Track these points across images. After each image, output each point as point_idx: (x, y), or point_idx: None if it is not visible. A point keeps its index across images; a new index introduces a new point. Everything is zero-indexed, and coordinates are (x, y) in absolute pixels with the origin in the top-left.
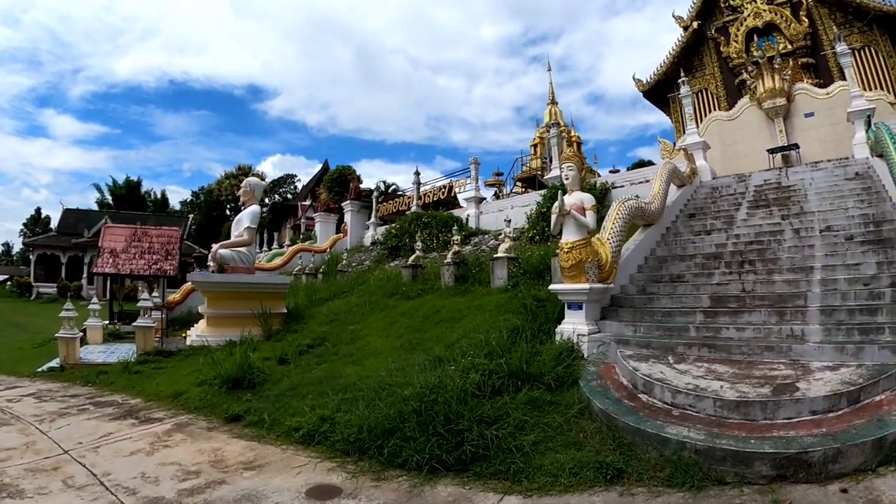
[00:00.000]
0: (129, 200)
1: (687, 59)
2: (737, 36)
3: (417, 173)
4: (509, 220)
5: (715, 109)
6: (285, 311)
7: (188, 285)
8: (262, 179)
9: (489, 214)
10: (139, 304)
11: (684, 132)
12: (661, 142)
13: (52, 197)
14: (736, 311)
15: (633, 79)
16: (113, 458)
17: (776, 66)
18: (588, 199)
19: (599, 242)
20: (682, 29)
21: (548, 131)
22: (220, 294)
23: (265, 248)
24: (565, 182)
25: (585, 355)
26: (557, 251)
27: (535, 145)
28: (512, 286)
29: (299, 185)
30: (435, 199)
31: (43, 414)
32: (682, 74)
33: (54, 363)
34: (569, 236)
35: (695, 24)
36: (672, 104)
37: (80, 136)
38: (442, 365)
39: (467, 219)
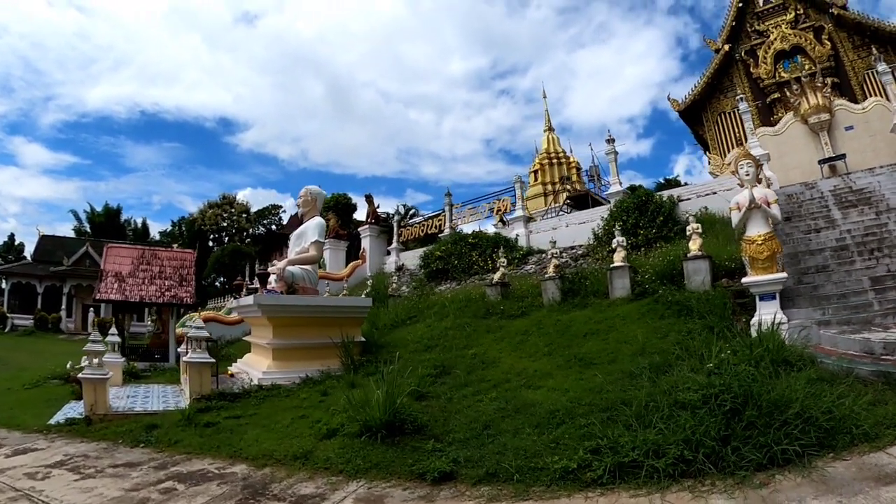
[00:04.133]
0: (108, 229)
1: (718, 80)
2: (766, 58)
3: (449, 194)
4: (618, 231)
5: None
6: (363, 339)
7: (201, 316)
8: (248, 210)
9: (541, 234)
10: (191, 332)
11: (723, 148)
12: (710, 156)
13: (21, 227)
14: None
15: (669, 99)
16: None
17: (818, 85)
18: (771, 194)
19: None
20: (713, 51)
21: (547, 158)
22: (292, 320)
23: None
24: (745, 178)
25: (787, 342)
26: (744, 245)
27: (535, 171)
28: (637, 294)
29: (284, 217)
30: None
31: None
32: (742, 93)
33: (72, 412)
34: (759, 229)
35: (725, 47)
36: (707, 122)
37: (50, 166)
38: (671, 369)
39: (516, 238)
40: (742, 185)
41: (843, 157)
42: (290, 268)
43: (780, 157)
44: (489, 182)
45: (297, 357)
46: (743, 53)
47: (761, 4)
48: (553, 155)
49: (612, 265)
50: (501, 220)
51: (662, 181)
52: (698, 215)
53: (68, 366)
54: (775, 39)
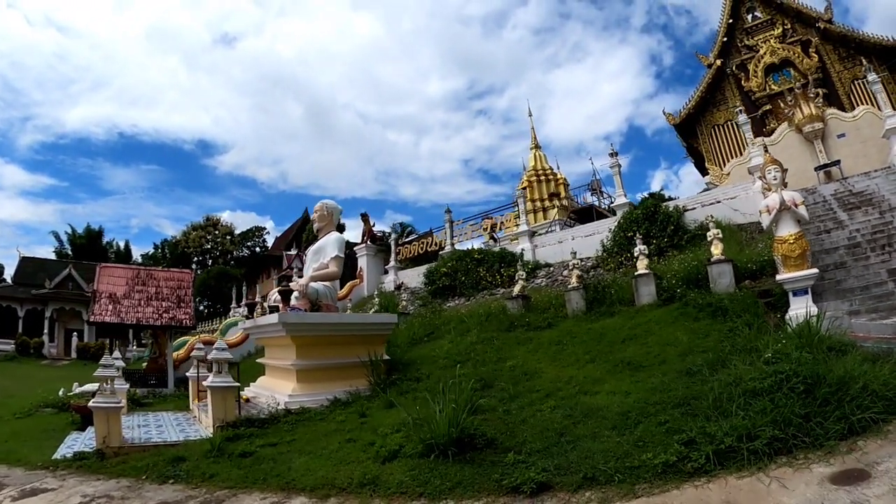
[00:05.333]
0: (89, 251)
1: (711, 94)
2: (756, 71)
3: (449, 211)
4: (639, 240)
5: (739, 139)
6: (388, 357)
7: (193, 340)
8: (232, 232)
9: (547, 247)
10: (212, 354)
11: (719, 159)
12: (710, 167)
13: None
14: None
15: (664, 113)
16: None
17: (811, 95)
18: (798, 196)
19: None
20: (706, 66)
21: (535, 175)
22: (317, 339)
23: (243, 302)
24: (773, 183)
25: (822, 331)
26: (776, 244)
27: (523, 188)
28: (665, 300)
29: (268, 238)
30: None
31: None
32: (734, 105)
33: (77, 444)
34: (790, 229)
35: (717, 62)
36: (701, 135)
37: (28, 188)
38: (726, 364)
39: (522, 253)
40: (769, 190)
41: (837, 163)
42: (314, 284)
43: None
44: (468, 202)
45: (322, 378)
46: (734, 68)
47: (750, 20)
48: (541, 172)
49: (636, 273)
50: (492, 238)
51: (647, 195)
52: (706, 223)
53: (61, 393)
54: (765, 53)
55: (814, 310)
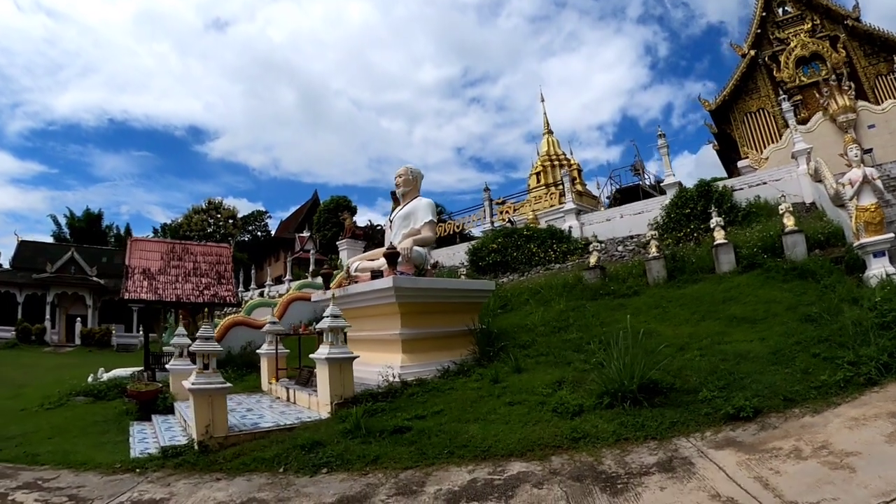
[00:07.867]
0: (89, 235)
1: (744, 83)
2: (787, 63)
3: (487, 189)
4: (714, 213)
5: (771, 126)
6: (482, 325)
7: (228, 320)
8: (235, 216)
9: (595, 225)
10: (325, 323)
11: (754, 144)
12: (748, 151)
13: None
14: None
15: (699, 100)
16: None
17: (844, 88)
18: (875, 172)
19: None
20: (740, 56)
21: (548, 160)
22: (425, 307)
23: (251, 286)
24: (853, 159)
25: None
26: (858, 213)
27: (537, 173)
28: (745, 267)
29: (269, 223)
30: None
31: None
32: (765, 95)
33: (160, 437)
34: (870, 199)
35: (751, 53)
36: (734, 122)
37: (17, 175)
38: (841, 311)
39: (570, 230)
40: (850, 166)
41: (870, 151)
42: (417, 248)
43: (812, 152)
44: (460, 190)
45: (428, 348)
46: (766, 59)
47: (780, 14)
48: (554, 157)
49: (716, 242)
50: (510, 222)
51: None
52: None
53: (90, 379)
54: (796, 46)
55: (892, 269)
